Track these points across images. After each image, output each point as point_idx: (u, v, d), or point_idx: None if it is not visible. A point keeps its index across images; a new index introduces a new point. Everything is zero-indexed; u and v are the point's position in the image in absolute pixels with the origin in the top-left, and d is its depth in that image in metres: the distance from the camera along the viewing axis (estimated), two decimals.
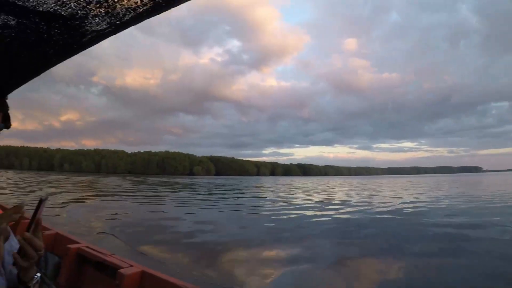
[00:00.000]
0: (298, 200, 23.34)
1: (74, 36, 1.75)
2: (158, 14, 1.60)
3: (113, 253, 2.56)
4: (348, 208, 18.24)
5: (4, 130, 3.16)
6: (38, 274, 0.96)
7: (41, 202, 0.90)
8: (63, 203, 17.75)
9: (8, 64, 2.05)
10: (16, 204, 0.85)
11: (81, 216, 12.54)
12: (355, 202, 21.83)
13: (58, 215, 12.72)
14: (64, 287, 2.39)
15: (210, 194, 30.92)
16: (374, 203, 21.22)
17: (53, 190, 26.78)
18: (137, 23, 1.66)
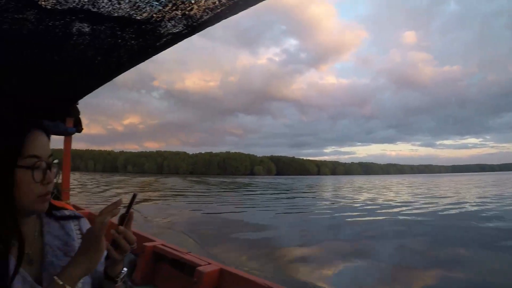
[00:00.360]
0: (379, 200, 22.65)
1: (149, 40, 1.92)
2: (234, 14, 1.66)
3: (189, 251, 2.65)
4: (414, 210, 17.34)
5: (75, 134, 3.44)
6: (125, 269, 1.03)
7: (134, 197, 0.97)
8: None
9: (82, 71, 2.23)
10: (115, 201, 0.95)
11: (148, 215, 13.32)
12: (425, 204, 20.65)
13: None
14: (140, 284, 2.52)
15: (272, 193, 31.02)
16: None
17: (119, 190, 28.96)
18: (214, 24, 1.74)
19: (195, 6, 1.56)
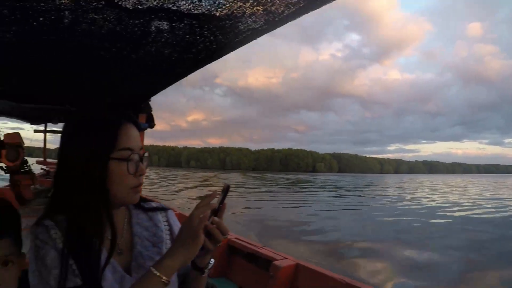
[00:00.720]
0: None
1: (228, 36, 1.94)
2: (316, 8, 1.62)
3: (264, 245, 2.73)
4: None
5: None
6: (212, 260, 1.09)
7: (227, 189, 1.00)
8: (197, 197, 19.79)
9: (157, 68, 2.31)
10: (210, 192, 1.00)
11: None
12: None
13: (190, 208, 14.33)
14: (213, 276, 2.63)
15: (336, 191, 31.03)
16: None
17: (182, 185, 30.54)
18: (294, 19, 1.71)
19: (277, 1, 1.54)
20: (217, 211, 0.97)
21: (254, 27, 1.78)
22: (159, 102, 3.58)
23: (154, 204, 1.16)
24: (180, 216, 3.14)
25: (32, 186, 4.96)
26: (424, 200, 23.18)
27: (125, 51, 2.08)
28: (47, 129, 6.86)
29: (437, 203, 22.25)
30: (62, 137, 0.98)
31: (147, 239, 1.06)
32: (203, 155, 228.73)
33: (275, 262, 2.31)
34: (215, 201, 0.98)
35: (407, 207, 18.85)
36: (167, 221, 1.16)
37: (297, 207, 17.89)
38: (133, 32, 1.82)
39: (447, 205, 21.18)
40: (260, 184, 39.24)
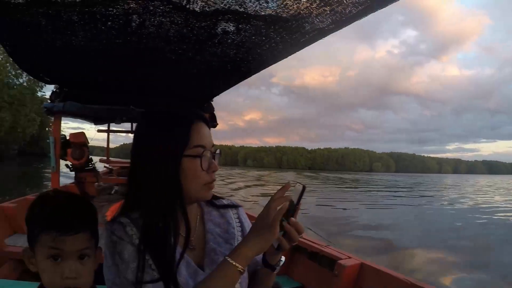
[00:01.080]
0: None
1: (294, 36, 1.98)
2: (383, 7, 1.62)
3: (328, 243, 2.77)
4: None
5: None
6: (283, 258, 1.13)
7: (304, 189, 1.02)
8: (255, 195, 20.09)
9: (222, 68, 2.39)
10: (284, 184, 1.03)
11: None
12: None
13: (250, 208, 14.55)
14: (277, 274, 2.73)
15: (394, 192, 30.32)
16: None
17: (243, 183, 31.02)
18: (361, 18, 1.72)
19: (344, 1, 1.55)
20: (294, 211, 1.00)
21: (321, 27, 1.80)
22: (216, 101, 3.71)
23: (225, 201, 1.22)
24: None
25: (96, 183, 5.27)
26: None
27: (190, 53, 2.16)
28: (110, 129, 7.28)
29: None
30: (135, 136, 1.06)
31: (219, 236, 1.12)
32: (260, 154, 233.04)
33: (340, 261, 2.35)
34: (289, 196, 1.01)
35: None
36: (238, 218, 1.22)
37: (344, 208, 17.66)
38: (199, 34, 1.89)
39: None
40: (315, 183, 38.99)
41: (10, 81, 34.20)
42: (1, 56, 33.71)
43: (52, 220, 0.84)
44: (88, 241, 0.89)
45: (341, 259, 2.38)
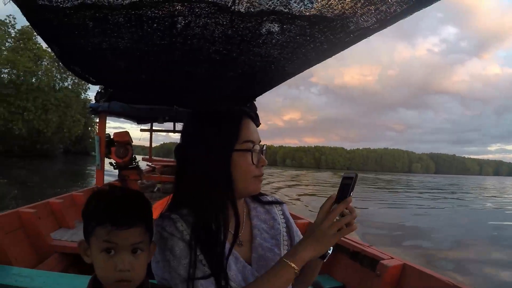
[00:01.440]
0: None
1: (338, 36, 1.97)
2: (428, 5, 1.61)
3: (371, 244, 2.79)
4: None
5: None
6: (331, 248, 1.16)
7: (356, 177, 1.05)
8: (299, 194, 20.20)
9: (266, 68, 2.41)
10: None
11: (314, 207, 14.09)
12: None
13: (294, 204, 14.72)
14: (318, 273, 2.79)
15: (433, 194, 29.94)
16: None
17: (283, 183, 31.13)
18: (406, 17, 1.70)
19: (389, 0, 1.53)
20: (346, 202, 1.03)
21: (365, 26, 1.80)
22: (257, 101, 3.75)
23: (269, 198, 1.26)
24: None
25: (139, 181, 5.43)
26: None
27: (234, 53, 2.20)
28: (153, 128, 7.48)
29: None
30: (184, 134, 1.10)
31: (265, 231, 1.18)
32: (299, 154, 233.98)
33: (382, 262, 2.35)
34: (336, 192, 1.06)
35: None
36: (283, 214, 1.28)
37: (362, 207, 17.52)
38: (244, 35, 1.93)
39: None
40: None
41: (56, 84, 35.69)
42: (47, 61, 35.27)
43: (106, 214, 0.89)
44: (142, 235, 0.93)
45: (383, 259, 2.39)
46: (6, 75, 31.55)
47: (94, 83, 3.87)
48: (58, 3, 1.89)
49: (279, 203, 1.28)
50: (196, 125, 1.08)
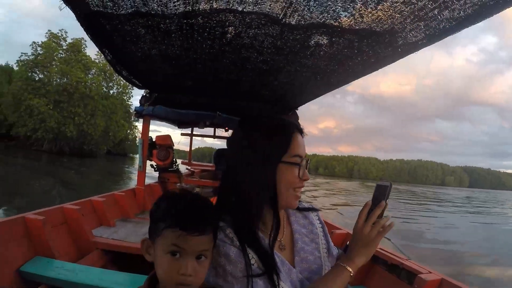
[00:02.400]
0: None
1: (386, 50, 1.99)
2: (477, 22, 1.61)
3: (408, 257, 2.76)
4: None
5: None
6: None
7: (390, 186, 1.09)
8: (334, 204, 20.04)
9: (311, 79, 2.44)
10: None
11: (349, 218, 13.94)
12: None
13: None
14: (352, 283, 2.76)
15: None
16: None
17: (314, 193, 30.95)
18: (454, 33, 1.71)
19: (439, 17, 1.54)
20: (383, 209, 1.07)
21: (414, 41, 1.81)
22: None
23: (306, 205, 1.29)
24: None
25: (178, 184, 5.52)
26: None
27: (281, 64, 2.24)
28: (193, 133, 7.63)
29: None
30: (232, 141, 1.13)
31: (305, 236, 1.20)
32: (332, 163, 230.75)
33: (420, 276, 2.30)
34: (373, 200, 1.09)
35: None
36: (319, 219, 1.30)
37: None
38: (292, 46, 1.96)
39: None
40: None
41: (103, 92, 38.02)
42: (95, 72, 37.55)
43: (179, 219, 0.90)
44: (208, 243, 0.94)
45: (422, 273, 2.35)
46: (60, 85, 33.69)
47: (140, 87, 4.00)
48: (113, 10, 2.00)
49: (315, 209, 1.31)
50: (247, 133, 1.10)
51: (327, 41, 1.88)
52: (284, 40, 1.90)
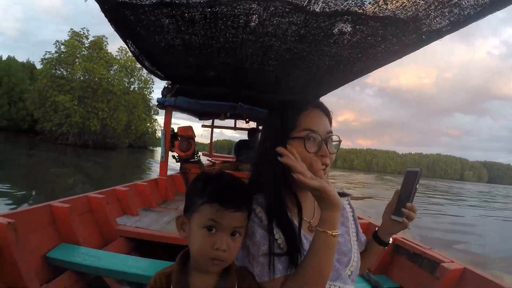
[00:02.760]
0: None
1: (411, 37, 1.96)
2: (501, 9, 1.59)
3: (430, 247, 2.74)
4: None
5: None
6: (391, 238, 1.21)
7: (420, 172, 1.08)
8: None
9: (334, 68, 2.43)
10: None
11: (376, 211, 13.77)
12: None
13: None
14: (374, 272, 2.79)
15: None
16: None
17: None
18: (478, 20, 1.69)
19: (463, 3, 1.53)
20: (410, 196, 1.05)
21: (438, 28, 1.79)
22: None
23: (338, 189, 1.26)
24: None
25: None
26: None
27: (305, 52, 2.23)
28: (214, 124, 7.64)
29: None
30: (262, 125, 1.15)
31: None
32: (350, 156, 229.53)
33: (442, 264, 2.28)
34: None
35: None
36: (349, 204, 1.28)
37: None
38: (316, 34, 1.95)
39: None
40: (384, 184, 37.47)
41: (125, 87, 38.99)
42: (117, 68, 38.49)
43: (218, 195, 0.90)
44: (243, 220, 0.95)
45: (444, 262, 2.33)
46: (84, 81, 34.75)
47: (162, 79, 4.03)
48: (137, 1, 2.02)
49: (345, 194, 1.29)
50: (268, 117, 1.11)
51: (351, 29, 1.87)
52: (308, 28, 1.90)
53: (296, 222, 1.05)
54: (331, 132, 1.07)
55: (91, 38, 38.63)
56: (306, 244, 1.04)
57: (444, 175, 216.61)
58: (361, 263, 1.16)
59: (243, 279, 0.98)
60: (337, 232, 0.96)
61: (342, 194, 1.27)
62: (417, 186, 1.05)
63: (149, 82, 42.62)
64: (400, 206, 1.07)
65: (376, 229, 1.17)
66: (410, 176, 1.08)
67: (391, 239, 1.19)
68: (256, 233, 1.00)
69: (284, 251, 0.99)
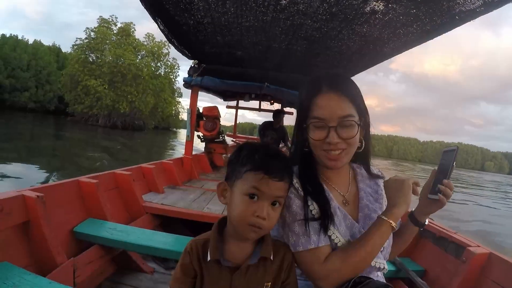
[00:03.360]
0: None
1: (443, 17, 1.89)
2: None
3: (456, 231, 2.69)
4: None
5: None
6: (427, 221, 1.20)
7: (457, 150, 1.07)
8: None
9: (364, 48, 2.37)
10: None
11: None
12: None
13: None
14: (400, 254, 2.78)
15: None
16: None
17: None
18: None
19: None
20: (447, 174, 1.05)
21: (471, 8, 1.72)
22: None
23: (375, 170, 1.29)
24: None
25: (224, 155, 5.53)
26: None
27: (335, 31, 2.19)
28: (238, 105, 7.60)
29: None
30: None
31: (370, 195, 1.21)
32: (372, 142, 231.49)
33: (469, 248, 2.23)
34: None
35: None
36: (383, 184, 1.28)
37: None
38: (347, 13, 1.92)
39: None
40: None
41: (153, 72, 40.15)
42: (145, 53, 39.49)
43: (263, 163, 0.91)
44: (284, 190, 0.95)
45: (470, 246, 2.28)
46: (114, 67, 35.95)
47: (190, 58, 4.00)
48: None
49: (381, 177, 1.28)
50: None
51: (383, 7, 1.82)
52: (340, 6, 1.86)
53: (331, 195, 1.09)
54: (347, 116, 1.03)
55: (119, 25, 39.55)
56: (340, 216, 1.06)
57: (465, 164, 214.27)
58: (396, 244, 1.19)
59: (278, 249, 1.00)
60: (396, 225, 1.01)
61: (378, 176, 1.27)
62: (454, 164, 1.04)
63: (175, 67, 43.41)
64: (437, 183, 1.05)
65: (413, 209, 1.16)
66: (447, 156, 1.07)
67: (427, 221, 1.18)
68: (292, 204, 1.03)
69: (317, 223, 1.02)
